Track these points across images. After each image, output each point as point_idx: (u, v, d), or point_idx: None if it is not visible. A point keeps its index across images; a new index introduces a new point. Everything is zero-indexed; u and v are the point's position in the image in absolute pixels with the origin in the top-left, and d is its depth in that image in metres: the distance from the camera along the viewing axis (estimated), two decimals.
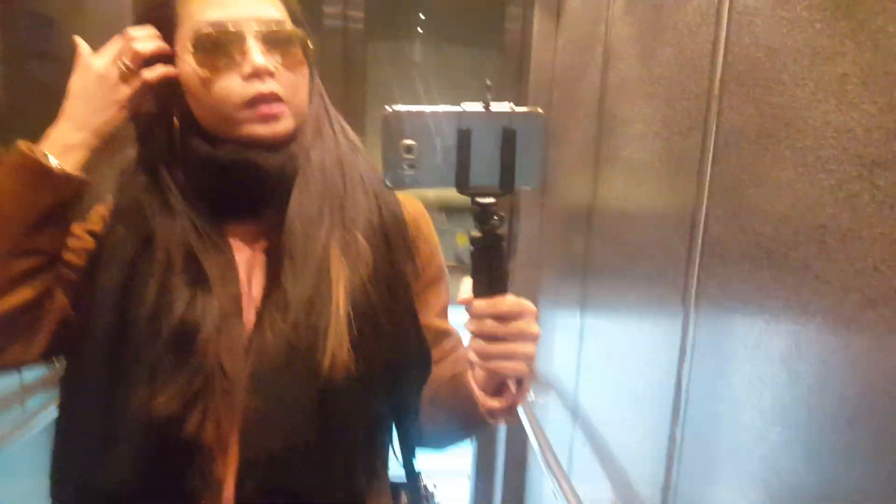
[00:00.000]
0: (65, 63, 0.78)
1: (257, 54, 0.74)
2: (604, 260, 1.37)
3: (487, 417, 0.75)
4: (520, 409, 1.76)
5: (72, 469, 0.77)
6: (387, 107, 0.65)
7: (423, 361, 0.84)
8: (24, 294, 0.73)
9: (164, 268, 0.76)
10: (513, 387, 0.73)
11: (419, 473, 0.92)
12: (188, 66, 0.76)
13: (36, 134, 0.74)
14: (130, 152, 0.82)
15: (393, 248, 0.83)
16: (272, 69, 0.76)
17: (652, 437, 1.05)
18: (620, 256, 1.27)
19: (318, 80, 0.85)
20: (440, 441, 0.88)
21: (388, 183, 0.67)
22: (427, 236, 0.89)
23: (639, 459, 1.14)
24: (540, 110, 0.66)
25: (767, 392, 0.78)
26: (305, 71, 0.81)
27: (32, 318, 0.75)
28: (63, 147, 0.73)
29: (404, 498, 0.95)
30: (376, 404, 0.81)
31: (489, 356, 0.68)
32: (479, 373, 0.73)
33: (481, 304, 0.67)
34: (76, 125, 0.74)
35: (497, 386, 0.73)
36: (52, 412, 1.52)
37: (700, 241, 0.93)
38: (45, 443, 1.61)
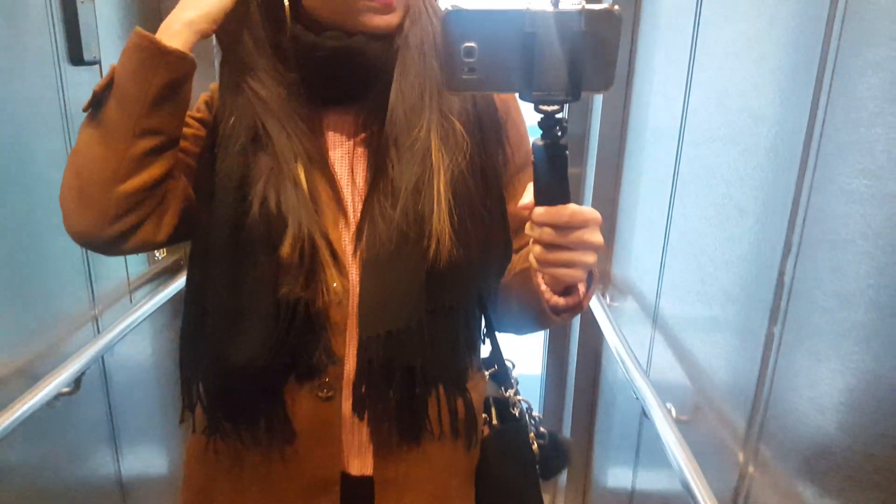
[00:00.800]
0: None
1: None
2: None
3: (552, 315, 0.78)
4: (595, 311, 1.78)
5: (203, 346, 0.83)
6: (448, 5, 0.61)
7: (507, 250, 0.87)
8: (151, 172, 0.77)
9: (272, 160, 0.80)
10: (581, 287, 0.75)
11: (500, 350, 1.01)
12: None
13: None
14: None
15: (486, 135, 0.84)
16: None
17: (745, 338, 1.03)
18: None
19: None
20: (515, 327, 0.94)
21: (446, 87, 0.64)
22: (516, 121, 0.90)
23: (726, 363, 1.13)
24: (616, 8, 0.59)
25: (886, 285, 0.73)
26: None
27: (159, 197, 0.80)
28: (174, 30, 0.75)
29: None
30: (473, 287, 0.86)
31: (548, 263, 0.70)
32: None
33: (541, 211, 0.66)
34: (187, 6, 0.76)
35: (562, 286, 0.75)
36: (155, 303, 1.66)
37: None
38: (150, 330, 1.77)
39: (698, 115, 1.28)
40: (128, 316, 1.56)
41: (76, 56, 1.38)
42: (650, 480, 1.53)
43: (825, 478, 0.81)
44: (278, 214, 0.78)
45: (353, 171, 0.85)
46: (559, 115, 0.63)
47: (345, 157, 0.86)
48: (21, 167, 1.23)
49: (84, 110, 0.77)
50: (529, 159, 0.86)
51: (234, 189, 0.79)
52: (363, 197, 0.83)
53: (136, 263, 1.70)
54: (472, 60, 0.61)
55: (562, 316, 0.79)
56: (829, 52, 0.83)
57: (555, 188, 0.66)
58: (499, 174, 0.86)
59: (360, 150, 0.85)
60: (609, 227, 1.88)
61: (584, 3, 0.59)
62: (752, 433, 0.99)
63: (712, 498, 1.00)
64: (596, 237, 0.69)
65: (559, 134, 0.64)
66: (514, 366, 1.06)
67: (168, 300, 1.74)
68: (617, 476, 1.81)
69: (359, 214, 0.83)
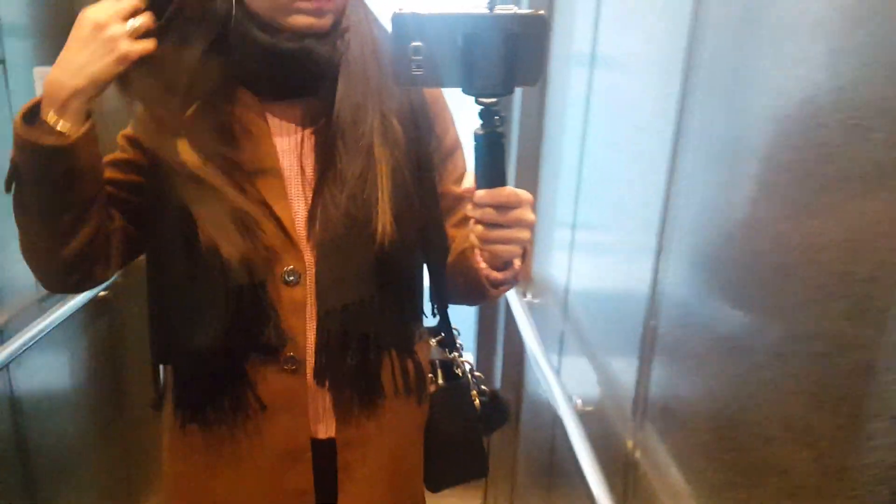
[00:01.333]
0: None
1: None
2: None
3: (490, 289, 0.89)
4: (515, 308, 1.84)
5: (168, 334, 0.95)
6: (396, 8, 0.68)
7: (439, 230, 1.00)
8: (85, 233, 0.83)
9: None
10: (516, 262, 0.84)
11: (447, 318, 1.12)
12: None
13: None
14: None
15: (419, 128, 0.95)
16: None
17: (628, 332, 1.10)
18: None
19: None
20: (464, 300, 1.07)
21: (396, 81, 0.72)
22: (443, 112, 1.01)
23: (616, 355, 1.20)
24: (542, 12, 0.68)
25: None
26: None
27: (101, 242, 0.86)
28: (61, 100, 0.77)
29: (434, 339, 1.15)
30: (414, 264, 1.00)
31: (489, 240, 0.79)
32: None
33: (482, 193, 0.75)
34: (74, 71, 0.77)
35: (502, 262, 0.84)
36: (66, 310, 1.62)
37: None
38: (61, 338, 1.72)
39: (596, 123, 1.35)
40: (37, 324, 1.53)
41: None
42: (563, 473, 1.59)
43: (693, 459, 0.88)
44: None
45: (301, 161, 0.93)
46: (496, 107, 0.71)
47: (293, 148, 0.94)
48: None
49: (6, 191, 0.83)
50: (457, 144, 1.01)
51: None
52: (312, 185, 0.92)
53: None
54: (419, 58, 0.69)
55: (500, 289, 0.90)
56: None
57: (494, 172, 0.75)
58: (431, 163, 0.97)
59: (307, 142, 0.94)
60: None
61: (515, 7, 0.68)
62: (636, 421, 1.06)
63: (604, 483, 1.07)
64: (530, 215, 0.79)
65: (497, 124, 0.72)
66: (458, 333, 1.17)
67: (82, 306, 1.72)
68: (538, 469, 1.87)
69: (309, 201, 0.92)
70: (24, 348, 1.45)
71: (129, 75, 0.81)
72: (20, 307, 1.53)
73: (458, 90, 0.71)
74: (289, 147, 0.94)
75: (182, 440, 0.98)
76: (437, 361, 1.12)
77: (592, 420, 1.28)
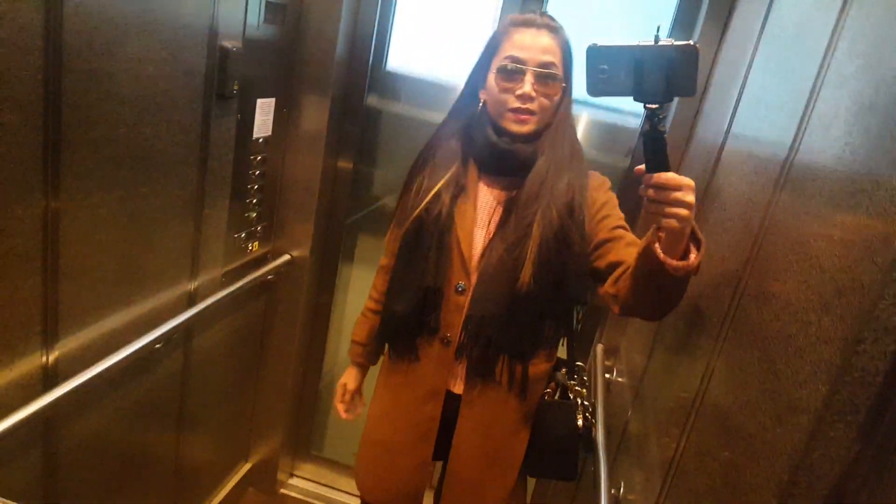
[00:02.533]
0: None
1: (528, 84, 1.35)
2: None
3: (673, 273, 1.09)
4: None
5: (388, 301, 1.57)
6: (591, 42, 1.01)
7: (578, 286, 1.43)
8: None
9: (443, 203, 1.45)
10: (691, 257, 1.08)
11: (573, 354, 1.60)
12: (492, 79, 1.40)
13: None
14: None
15: (574, 217, 1.38)
16: (533, 95, 1.36)
17: None
18: None
19: (567, 104, 1.44)
20: (644, 308, 1.30)
21: (589, 92, 1.02)
22: (596, 199, 1.44)
23: None
24: (693, 43, 0.96)
25: None
26: (557, 98, 1.39)
27: None
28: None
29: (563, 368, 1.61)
30: (542, 306, 1.43)
31: (650, 212, 1.04)
32: (662, 238, 1.08)
33: (649, 176, 1.01)
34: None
35: (676, 246, 1.07)
36: (242, 284, 2.04)
37: None
38: (233, 306, 2.15)
39: None
40: (218, 293, 1.96)
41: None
42: None
43: None
44: (446, 221, 1.44)
45: (490, 219, 1.47)
46: (658, 111, 0.98)
47: (487, 208, 1.48)
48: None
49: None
50: (607, 212, 1.43)
51: (418, 216, 1.46)
52: (490, 236, 1.44)
53: (231, 254, 2.10)
54: (604, 77, 1.01)
55: (679, 273, 1.09)
56: None
57: (658, 160, 1.00)
58: (582, 238, 1.39)
59: (498, 208, 1.47)
60: None
61: (673, 40, 0.96)
62: None
63: None
64: (689, 196, 1.01)
65: (657, 122, 0.99)
66: (583, 368, 1.63)
67: (256, 283, 2.15)
68: None
69: (485, 244, 1.44)
70: (205, 310, 1.88)
71: None
72: (207, 279, 1.97)
73: (631, 98, 1.00)
74: (485, 206, 1.48)
75: (384, 373, 1.66)
76: (557, 383, 1.59)
77: None
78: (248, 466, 2.63)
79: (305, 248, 2.36)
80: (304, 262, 2.37)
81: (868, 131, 0.67)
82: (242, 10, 1.82)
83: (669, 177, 1.00)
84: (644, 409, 1.62)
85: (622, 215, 1.45)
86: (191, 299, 1.89)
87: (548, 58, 1.35)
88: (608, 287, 1.36)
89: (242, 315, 2.28)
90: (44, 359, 1.38)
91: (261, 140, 2.08)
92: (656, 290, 1.19)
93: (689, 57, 0.95)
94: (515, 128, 1.38)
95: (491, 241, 1.43)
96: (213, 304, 1.93)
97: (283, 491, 2.73)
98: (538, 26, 1.37)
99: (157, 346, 1.69)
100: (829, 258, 0.69)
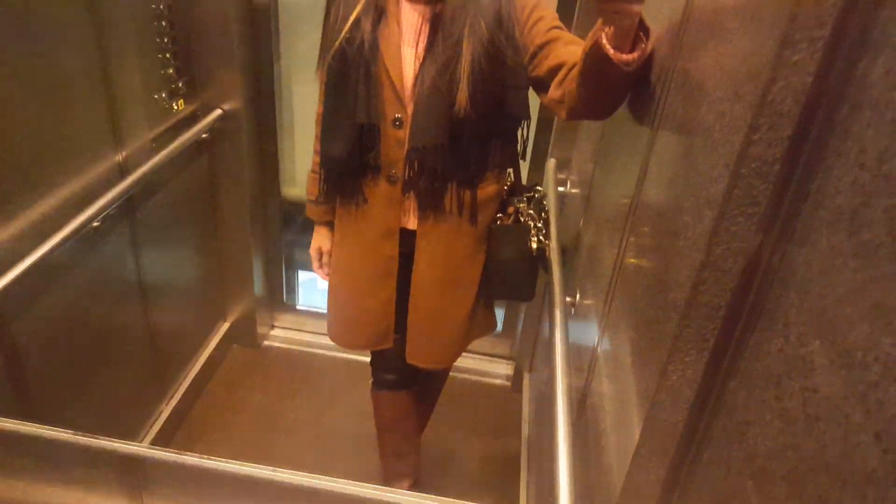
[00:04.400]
0: None
1: None
2: None
3: (623, 68, 1.03)
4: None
5: (324, 146, 1.49)
6: None
7: (518, 102, 1.39)
8: None
9: (364, 30, 1.35)
10: (640, 47, 1.02)
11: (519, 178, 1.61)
12: None
13: None
14: None
15: (504, 28, 1.32)
16: None
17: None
18: None
19: None
20: (593, 107, 1.24)
21: None
22: (524, 3, 1.35)
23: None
24: None
25: None
26: None
27: None
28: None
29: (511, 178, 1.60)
30: (486, 128, 1.41)
31: (605, 9, 0.95)
32: (609, 33, 1.01)
33: None
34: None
35: (624, 35, 1.01)
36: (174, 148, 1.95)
37: None
38: (171, 171, 2.07)
39: None
40: (149, 161, 1.87)
41: None
42: None
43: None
44: (371, 50, 1.36)
45: (418, 41, 1.37)
46: None
47: (413, 35, 1.37)
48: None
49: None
50: (540, 14, 1.34)
51: (340, 47, 1.36)
52: (420, 61, 1.35)
53: (155, 116, 1.98)
54: None
55: (631, 66, 1.04)
56: None
57: None
58: (515, 49, 1.33)
59: (423, 32, 1.36)
60: None
61: None
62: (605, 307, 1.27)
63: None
64: None
65: None
66: (536, 192, 1.64)
67: (191, 144, 2.05)
68: None
69: (416, 71, 1.36)
70: (141, 179, 1.80)
71: None
72: (136, 147, 1.87)
73: None
74: (411, 26, 1.37)
75: (338, 220, 1.62)
76: (512, 206, 1.58)
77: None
78: (226, 326, 2.71)
79: (237, 100, 2.22)
80: (238, 114, 2.25)
81: None
82: None
83: None
84: (594, 217, 1.64)
85: (556, 14, 1.36)
86: (122, 170, 1.80)
87: None
88: (552, 93, 1.30)
89: (185, 178, 2.20)
90: None
91: None
92: (605, 87, 1.14)
93: None
94: None
95: (421, 66, 1.35)
96: (147, 171, 1.85)
97: (266, 343, 2.83)
98: None
99: (95, 223, 1.64)
100: (741, 38, 0.64)
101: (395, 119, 1.40)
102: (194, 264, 2.40)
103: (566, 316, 1.46)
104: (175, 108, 2.05)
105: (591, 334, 1.31)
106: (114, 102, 1.72)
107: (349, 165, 1.46)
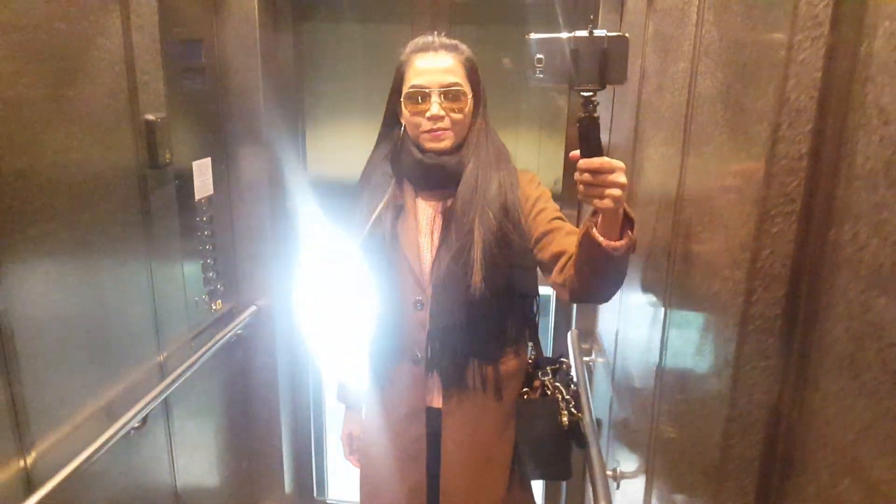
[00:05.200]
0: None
1: (435, 105, 1.42)
2: None
3: (613, 254, 1.14)
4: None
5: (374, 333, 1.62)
6: (527, 35, 1.06)
7: (527, 281, 1.51)
8: None
9: (385, 226, 1.50)
10: (628, 233, 1.13)
11: (539, 347, 1.66)
12: (403, 105, 1.45)
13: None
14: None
15: (510, 216, 1.45)
16: (442, 114, 1.42)
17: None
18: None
19: (482, 111, 1.50)
20: (594, 292, 1.34)
21: (528, 81, 1.07)
22: (528, 195, 1.50)
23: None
24: (625, 34, 1.02)
25: None
26: (467, 109, 1.46)
27: None
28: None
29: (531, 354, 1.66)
30: (498, 307, 1.50)
31: (586, 195, 1.09)
32: (598, 223, 1.13)
33: (583, 161, 1.07)
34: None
35: (612, 226, 1.12)
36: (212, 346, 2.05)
37: None
38: (208, 368, 2.15)
39: None
40: (189, 360, 1.96)
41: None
42: None
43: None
44: (391, 242, 1.50)
45: (432, 232, 1.52)
46: (593, 98, 1.03)
47: (429, 222, 1.53)
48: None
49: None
50: (542, 206, 1.47)
51: (369, 232, 1.51)
52: (436, 247, 1.48)
53: (198, 316, 2.10)
54: (541, 66, 1.07)
55: (619, 252, 1.14)
56: None
57: (591, 146, 1.06)
58: (521, 234, 1.45)
59: (438, 220, 1.52)
60: None
61: (606, 31, 1.01)
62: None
63: None
64: (621, 178, 1.06)
65: (592, 109, 1.04)
66: (564, 363, 1.65)
67: (228, 341, 2.15)
68: None
69: (433, 257, 1.48)
70: (180, 379, 1.88)
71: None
72: (176, 348, 1.97)
73: (566, 86, 1.06)
74: (426, 218, 1.53)
75: (366, 404, 1.68)
76: (526, 381, 1.60)
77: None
78: None
79: (269, 296, 2.37)
80: (270, 309, 2.38)
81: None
82: (161, 80, 1.83)
83: (604, 161, 1.05)
84: (620, 387, 1.66)
85: (557, 206, 1.50)
86: (162, 371, 1.88)
87: (449, 77, 1.43)
88: (555, 277, 1.39)
89: (220, 376, 2.28)
90: (21, 463, 1.37)
91: (203, 200, 2.09)
92: (600, 272, 1.24)
93: (620, 47, 1.01)
94: (433, 145, 1.46)
95: (437, 252, 1.48)
96: (186, 370, 1.93)
97: None
98: (436, 48, 1.45)
99: (136, 426, 1.69)
100: (731, 214, 0.73)
101: (416, 301, 1.50)
102: (225, 463, 2.38)
103: (608, 490, 1.43)
104: (214, 308, 2.19)
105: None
106: (159, 307, 1.85)
107: (377, 348, 1.56)
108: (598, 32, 1.01)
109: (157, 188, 1.81)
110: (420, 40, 1.48)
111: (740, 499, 0.65)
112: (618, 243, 1.14)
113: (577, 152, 1.08)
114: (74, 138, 1.47)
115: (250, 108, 2.20)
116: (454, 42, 1.47)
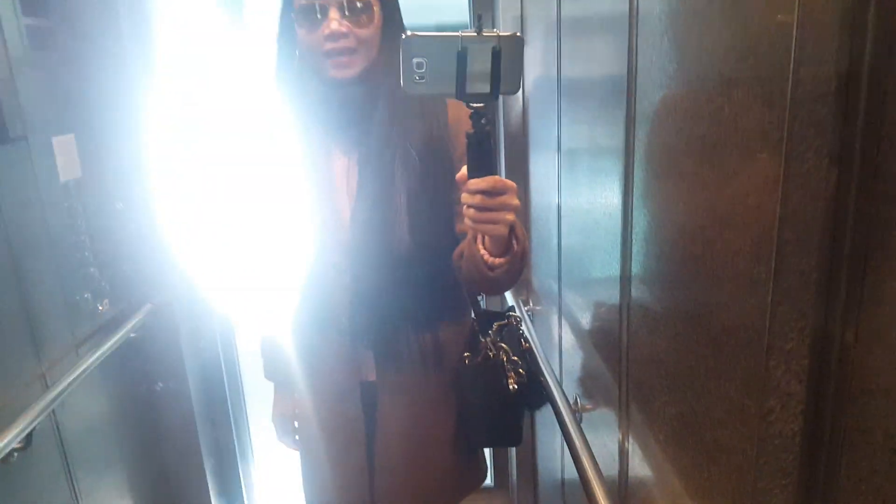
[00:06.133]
0: None
1: (334, 21, 1.10)
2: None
3: (488, 272, 1.07)
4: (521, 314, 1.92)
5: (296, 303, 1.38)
6: (404, 33, 0.85)
7: (450, 232, 1.25)
8: None
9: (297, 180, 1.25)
10: (514, 247, 1.02)
11: (479, 302, 1.45)
12: (297, 28, 1.14)
13: None
14: None
15: (436, 153, 1.21)
16: (344, 30, 1.11)
17: (611, 321, 1.18)
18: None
19: (395, 26, 1.18)
20: (470, 286, 1.29)
21: (405, 90, 0.88)
22: (458, 131, 1.20)
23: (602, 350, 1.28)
24: (519, 34, 0.84)
25: None
26: (376, 23, 1.14)
27: None
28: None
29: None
30: (432, 262, 1.27)
31: (478, 221, 0.95)
32: (489, 243, 1.03)
33: (473, 181, 0.92)
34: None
35: (498, 246, 1.03)
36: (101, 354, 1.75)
37: None
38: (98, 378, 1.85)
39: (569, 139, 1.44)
40: (75, 369, 1.66)
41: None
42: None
43: (684, 446, 0.96)
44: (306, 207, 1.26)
45: (347, 182, 1.25)
46: (484, 111, 0.87)
47: (342, 171, 1.26)
48: None
49: None
50: None
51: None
52: (353, 200, 1.23)
53: (81, 319, 1.80)
54: (421, 71, 0.86)
55: (496, 271, 1.08)
56: None
57: (483, 164, 0.90)
58: (447, 178, 1.19)
59: (353, 166, 1.24)
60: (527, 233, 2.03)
61: (498, 30, 0.84)
62: (622, 413, 1.14)
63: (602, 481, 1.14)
64: (513, 200, 0.95)
65: (484, 124, 0.88)
66: (510, 319, 1.46)
67: (118, 348, 1.85)
68: (556, 474, 1.95)
69: (351, 212, 1.24)
70: (65, 392, 1.58)
71: None
72: (59, 355, 1.66)
73: (453, 97, 0.88)
74: (342, 170, 1.26)
75: (296, 383, 1.43)
76: (468, 343, 1.39)
77: (593, 416, 1.36)
78: None
79: (167, 292, 2.08)
80: (170, 307, 2.10)
81: None
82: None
83: (496, 180, 0.92)
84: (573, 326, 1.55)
85: None
86: (45, 383, 1.58)
87: None
88: (455, 257, 1.24)
89: (117, 386, 1.97)
90: None
91: (71, 183, 1.79)
92: (489, 282, 1.14)
93: (515, 49, 0.85)
94: (339, 73, 1.14)
95: (354, 205, 1.24)
96: (73, 381, 1.63)
97: None
98: None
99: (17, 447, 1.39)
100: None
101: (335, 264, 1.28)
102: (137, 484, 2.08)
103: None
104: (100, 308, 1.88)
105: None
106: (32, 309, 1.55)
107: (298, 317, 1.35)
108: (487, 32, 0.84)
109: (9, 166, 1.51)
110: None
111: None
112: (498, 260, 1.07)
113: (463, 172, 0.94)
114: None
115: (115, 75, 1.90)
116: None
